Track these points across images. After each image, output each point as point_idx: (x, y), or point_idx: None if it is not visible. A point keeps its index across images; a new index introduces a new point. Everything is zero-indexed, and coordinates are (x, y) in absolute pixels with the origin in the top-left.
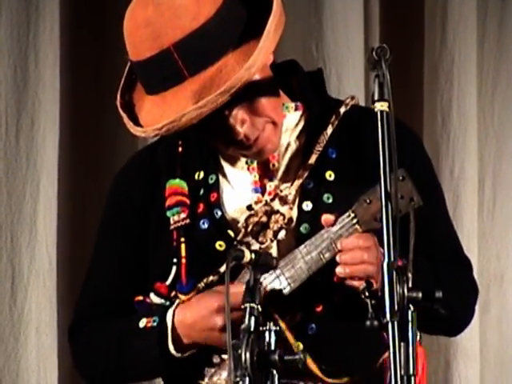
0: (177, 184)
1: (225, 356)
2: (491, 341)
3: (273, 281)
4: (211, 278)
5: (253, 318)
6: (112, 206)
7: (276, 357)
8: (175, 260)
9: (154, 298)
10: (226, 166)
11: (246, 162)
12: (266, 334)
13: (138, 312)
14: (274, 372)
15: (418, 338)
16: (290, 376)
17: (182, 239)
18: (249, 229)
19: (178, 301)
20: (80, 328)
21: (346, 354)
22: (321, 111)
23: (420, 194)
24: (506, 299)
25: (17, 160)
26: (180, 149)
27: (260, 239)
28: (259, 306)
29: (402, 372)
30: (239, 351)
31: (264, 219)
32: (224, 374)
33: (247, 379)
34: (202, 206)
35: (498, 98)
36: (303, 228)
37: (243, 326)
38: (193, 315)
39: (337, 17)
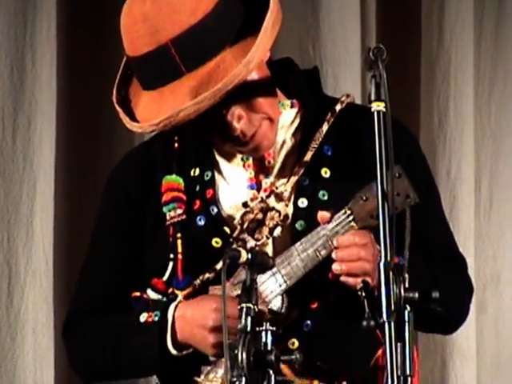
0: (173, 180)
1: (212, 356)
2: (488, 340)
3: (269, 278)
4: (207, 275)
5: (249, 318)
6: (108, 201)
7: (272, 357)
8: (171, 256)
9: (151, 294)
10: (221, 162)
11: (242, 159)
12: (263, 334)
13: (134, 308)
14: (271, 372)
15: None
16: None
17: (179, 235)
18: (245, 226)
19: (180, 297)
20: (75, 323)
21: (340, 350)
22: (316, 109)
23: (416, 193)
24: (503, 299)
25: (13, 160)
26: (176, 145)
27: (256, 236)
28: (255, 307)
29: (399, 372)
30: (236, 351)
31: (260, 216)
32: (220, 371)
33: (244, 379)
34: (198, 202)
35: (494, 98)
36: (299, 225)
37: (240, 326)
38: (193, 311)
39: (333, 16)
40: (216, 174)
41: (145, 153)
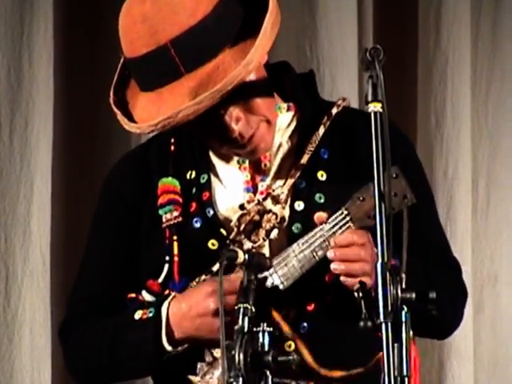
0: (169, 182)
1: (217, 355)
2: (485, 341)
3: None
4: (203, 276)
5: (246, 319)
6: (104, 202)
7: (270, 357)
8: (167, 258)
9: (146, 296)
10: (217, 165)
11: (238, 162)
12: (260, 334)
13: (130, 308)
14: (268, 373)
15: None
16: (281, 375)
17: (175, 237)
18: (241, 228)
19: (173, 294)
20: (72, 326)
21: (338, 352)
22: (313, 112)
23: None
24: (500, 299)
25: (10, 161)
26: (172, 148)
27: (252, 238)
28: (253, 307)
29: (396, 373)
30: (233, 352)
31: (256, 218)
32: (216, 372)
33: (241, 380)
34: (194, 204)
35: (491, 99)
36: (295, 227)
37: (237, 327)
38: (187, 303)
39: (331, 17)
40: (212, 176)
41: (141, 155)
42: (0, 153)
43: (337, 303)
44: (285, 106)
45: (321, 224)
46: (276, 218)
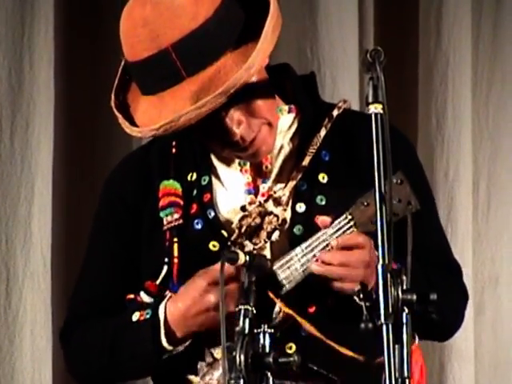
0: (170, 185)
1: (218, 355)
2: (486, 343)
3: None
4: None
5: (247, 321)
6: (105, 204)
7: (270, 359)
8: (167, 260)
9: (144, 297)
10: (218, 167)
11: (239, 164)
12: (261, 336)
13: (128, 309)
14: (269, 374)
15: (417, 340)
16: (282, 377)
17: (175, 239)
18: (242, 229)
19: (169, 294)
20: (72, 328)
21: (338, 355)
22: (314, 114)
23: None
24: (501, 301)
25: (11, 162)
26: (173, 150)
27: (254, 240)
28: (253, 309)
29: (397, 374)
30: (233, 353)
31: (258, 220)
32: (216, 373)
33: (241, 381)
34: (195, 206)
35: (492, 100)
36: (297, 229)
37: (237, 329)
38: (184, 302)
39: (331, 19)
40: (213, 178)
41: (142, 157)
42: (1, 154)
43: (338, 306)
44: (286, 108)
45: (324, 228)
46: (277, 219)
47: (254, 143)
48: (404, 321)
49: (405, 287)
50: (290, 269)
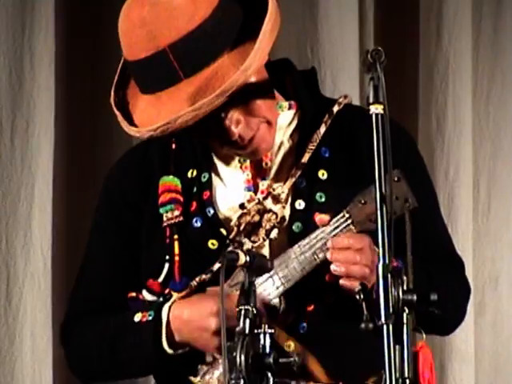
0: (170, 181)
1: (218, 355)
2: (486, 343)
3: (266, 280)
4: (204, 276)
5: (247, 321)
6: (105, 201)
7: (271, 359)
8: (168, 257)
9: (147, 295)
10: (218, 164)
11: (239, 161)
12: (261, 336)
13: (130, 308)
14: (269, 374)
15: (424, 338)
16: (281, 375)
17: (175, 236)
18: (241, 227)
19: (174, 297)
20: (73, 324)
21: (336, 353)
22: (314, 110)
23: (414, 197)
24: (501, 301)
25: (12, 162)
26: (173, 146)
27: (252, 238)
28: (254, 309)
29: (398, 374)
30: (234, 354)
31: (256, 218)
32: (216, 373)
33: (242, 382)
34: (194, 204)
35: (492, 101)
36: (296, 227)
37: (238, 329)
38: (190, 312)
39: (332, 19)
40: (213, 175)
41: (143, 152)
42: (1, 155)
43: (336, 304)
44: (286, 104)
45: (322, 226)
46: (276, 217)
47: (253, 142)
48: (404, 321)
49: (405, 287)
50: (288, 268)
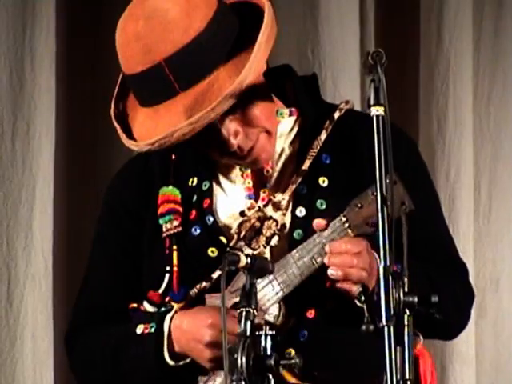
0: (169, 192)
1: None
2: (487, 345)
3: (266, 286)
4: (204, 284)
5: (249, 323)
6: (107, 212)
7: (272, 361)
8: (168, 268)
9: (148, 307)
10: (220, 172)
11: (240, 169)
12: (262, 338)
13: (132, 319)
14: (270, 376)
15: (422, 340)
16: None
17: (174, 247)
18: (241, 235)
19: (175, 308)
20: (77, 335)
21: (338, 360)
22: (315, 116)
23: (414, 199)
24: (502, 303)
25: (13, 164)
26: (173, 156)
27: (253, 245)
28: (255, 311)
29: (399, 376)
30: (235, 356)
31: (257, 225)
32: (218, 379)
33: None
34: (194, 212)
35: (493, 102)
36: (296, 234)
37: (239, 331)
38: (188, 323)
39: (332, 20)
40: (214, 184)
41: (143, 163)
42: (2, 156)
43: (337, 310)
44: (287, 111)
45: (320, 231)
46: (277, 224)
47: (253, 152)
48: (405, 323)
49: (406, 289)
50: (286, 273)
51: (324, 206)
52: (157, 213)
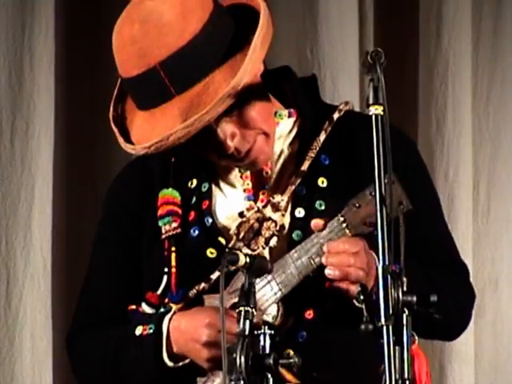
0: (169, 194)
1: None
2: (486, 345)
3: (264, 286)
4: (203, 285)
5: (247, 322)
6: (107, 214)
7: (271, 360)
8: (166, 269)
9: (146, 308)
10: (219, 174)
11: (239, 170)
12: (261, 337)
13: (131, 321)
14: (269, 376)
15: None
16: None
17: (173, 248)
18: (240, 236)
19: (174, 309)
20: (78, 336)
21: (337, 361)
22: (314, 117)
23: (414, 199)
24: (501, 303)
25: (12, 164)
26: (172, 159)
27: (252, 246)
28: (253, 310)
29: (397, 376)
30: (234, 355)
31: (256, 226)
32: (217, 380)
33: (242, 383)
34: (193, 213)
35: (492, 102)
36: (295, 235)
37: (238, 330)
38: (186, 324)
39: (331, 20)
40: (213, 185)
41: (142, 165)
42: (1, 156)
43: (336, 311)
44: (286, 112)
45: (317, 231)
46: (275, 225)
47: (251, 154)
48: (404, 322)
49: (405, 289)
50: (285, 273)
51: (323, 207)
52: (156, 215)
